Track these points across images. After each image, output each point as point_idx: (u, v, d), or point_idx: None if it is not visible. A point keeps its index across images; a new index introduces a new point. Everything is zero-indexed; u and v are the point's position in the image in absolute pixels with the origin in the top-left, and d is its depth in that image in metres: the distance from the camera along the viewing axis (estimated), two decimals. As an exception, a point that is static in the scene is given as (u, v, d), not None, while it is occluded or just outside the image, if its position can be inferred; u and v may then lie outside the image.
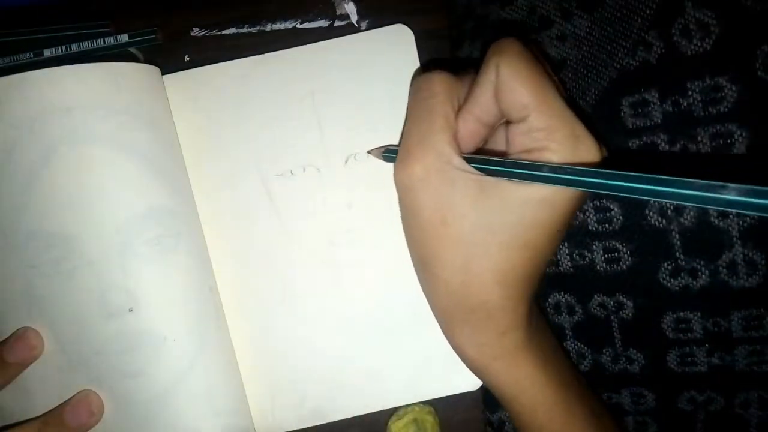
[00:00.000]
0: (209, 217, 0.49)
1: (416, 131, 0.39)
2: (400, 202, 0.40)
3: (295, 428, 0.50)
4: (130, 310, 0.44)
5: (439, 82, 0.39)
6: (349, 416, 0.50)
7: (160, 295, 0.45)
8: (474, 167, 0.37)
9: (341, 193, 0.50)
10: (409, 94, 0.42)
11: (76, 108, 0.43)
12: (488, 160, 0.37)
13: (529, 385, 0.40)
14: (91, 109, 0.44)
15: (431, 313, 0.42)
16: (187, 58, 0.53)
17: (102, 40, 0.51)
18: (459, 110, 0.39)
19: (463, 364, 0.49)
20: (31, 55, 0.52)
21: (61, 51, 0.52)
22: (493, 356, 0.40)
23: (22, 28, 0.52)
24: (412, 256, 0.42)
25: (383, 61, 0.49)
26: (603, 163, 0.36)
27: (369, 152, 0.49)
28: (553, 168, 0.33)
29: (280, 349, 0.50)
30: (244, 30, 0.52)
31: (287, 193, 0.50)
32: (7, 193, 0.43)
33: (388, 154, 0.46)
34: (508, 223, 0.36)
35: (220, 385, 0.47)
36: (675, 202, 0.30)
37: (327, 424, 0.50)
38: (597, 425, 0.42)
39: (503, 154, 0.39)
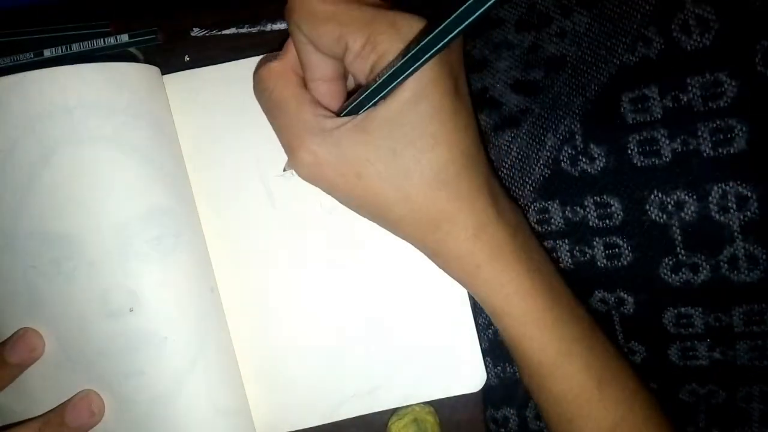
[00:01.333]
0: (209, 218, 0.49)
1: (280, 126, 0.41)
2: (325, 192, 0.41)
3: (295, 428, 0.50)
4: (131, 310, 0.44)
5: (267, 77, 0.41)
6: (350, 416, 0.50)
7: (161, 295, 0.45)
8: (344, 115, 0.39)
9: (341, 194, 0.50)
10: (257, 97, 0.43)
11: (77, 108, 0.43)
12: (348, 103, 0.38)
13: (513, 291, 0.40)
14: (92, 109, 0.44)
15: (432, 313, 0.42)
16: (187, 58, 0.52)
17: (102, 40, 0.51)
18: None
19: (463, 366, 0.49)
20: (31, 56, 0.52)
21: (61, 51, 0.52)
22: (476, 265, 0.40)
23: (22, 28, 0.52)
24: (374, 222, 0.42)
25: None
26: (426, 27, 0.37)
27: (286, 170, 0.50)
28: (390, 67, 0.35)
29: (280, 349, 0.50)
30: (244, 30, 0.52)
31: (287, 194, 0.50)
32: (7, 192, 0.43)
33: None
34: (405, 135, 0.37)
35: (220, 385, 0.47)
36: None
37: (327, 424, 0.50)
38: (590, 337, 0.42)
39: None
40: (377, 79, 0.36)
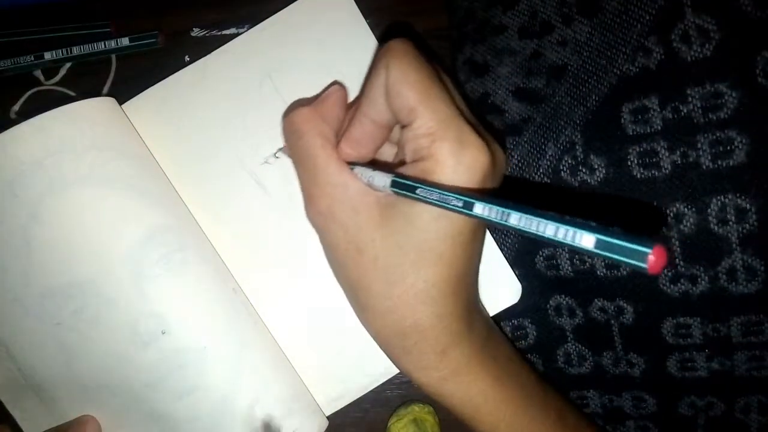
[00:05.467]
0: (210, 223, 0.49)
1: (305, 173, 0.40)
2: (319, 236, 0.41)
3: (354, 398, 0.50)
4: (163, 332, 0.44)
5: (301, 121, 0.40)
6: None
7: (187, 309, 0.45)
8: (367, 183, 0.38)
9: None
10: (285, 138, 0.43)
11: (45, 158, 0.43)
12: (386, 176, 0.36)
13: (483, 401, 0.40)
14: (61, 155, 0.43)
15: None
16: (187, 58, 0.52)
17: (103, 43, 0.52)
18: (351, 115, 0.40)
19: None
20: (32, 58, 0.52)
21: (62, 54, 0.52)
22: (441, 378, 0.40)
23: (22, 28, 0.52)
24: (344, 293, 0.42)
25: (328, 26, 0.48)
26: (491, 170, 0.36)
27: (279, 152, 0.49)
28: (426, 190, 0.33)
29: (315, 329, 0.50)
30: (244, 30, 0.52)
31: (276, 178, 0.49)
32: (10, 260, 0.43)
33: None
34: (415, 241, 0.36)
35: (275, 377, 0.47)
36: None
37: (327, 423, 0.50)
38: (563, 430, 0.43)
39: (402, 163, 0.38)
40: (429, 188, 0.33)
